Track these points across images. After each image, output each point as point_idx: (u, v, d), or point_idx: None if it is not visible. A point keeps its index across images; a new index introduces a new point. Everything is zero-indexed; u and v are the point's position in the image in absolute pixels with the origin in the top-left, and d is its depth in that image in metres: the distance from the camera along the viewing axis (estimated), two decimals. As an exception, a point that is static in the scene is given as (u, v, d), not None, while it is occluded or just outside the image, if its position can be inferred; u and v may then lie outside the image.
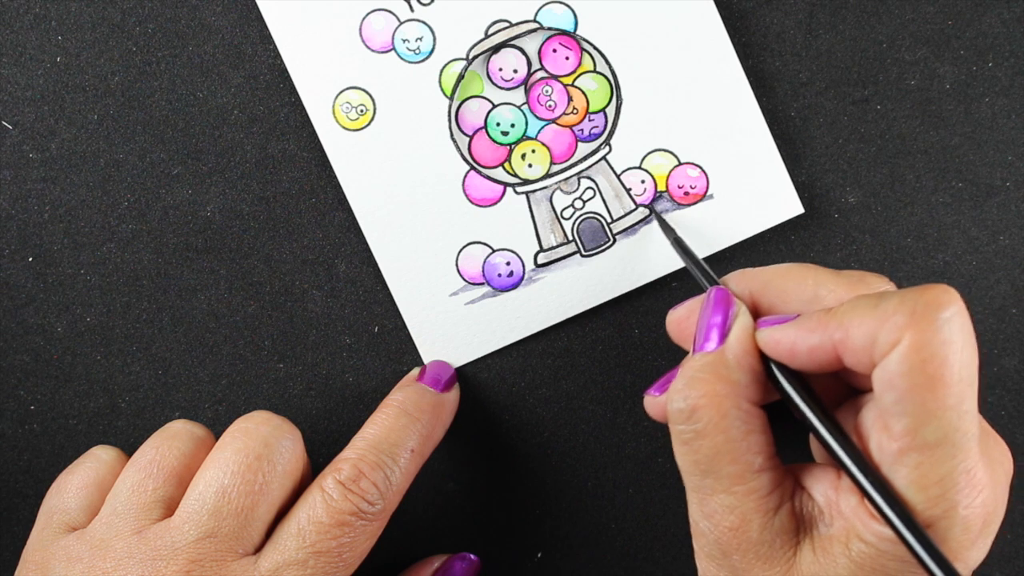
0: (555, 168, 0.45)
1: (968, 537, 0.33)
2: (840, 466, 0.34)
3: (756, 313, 0.38)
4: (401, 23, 0.44)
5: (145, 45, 0.44)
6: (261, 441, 0.39)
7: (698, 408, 0.35)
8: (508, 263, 0.45)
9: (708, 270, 0.40)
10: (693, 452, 0.35)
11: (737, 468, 0.35)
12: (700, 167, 0.45)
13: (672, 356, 0.46)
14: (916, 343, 0.32)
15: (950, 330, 0.32)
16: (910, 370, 0.32)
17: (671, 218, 0.45)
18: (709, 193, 0.45)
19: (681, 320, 0.40)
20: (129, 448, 0.42)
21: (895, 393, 0.32)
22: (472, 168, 0.45)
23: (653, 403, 0.40)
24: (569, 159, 0.45)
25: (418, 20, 0.44)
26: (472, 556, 0.46)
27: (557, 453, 0.47)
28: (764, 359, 0.36)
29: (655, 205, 0.45)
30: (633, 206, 0.45)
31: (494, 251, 0.45)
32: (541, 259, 0.45)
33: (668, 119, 0.45)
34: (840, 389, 0.38)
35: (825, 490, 0.36)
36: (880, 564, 0.33)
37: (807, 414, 0.35)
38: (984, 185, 0.46)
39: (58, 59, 0.44)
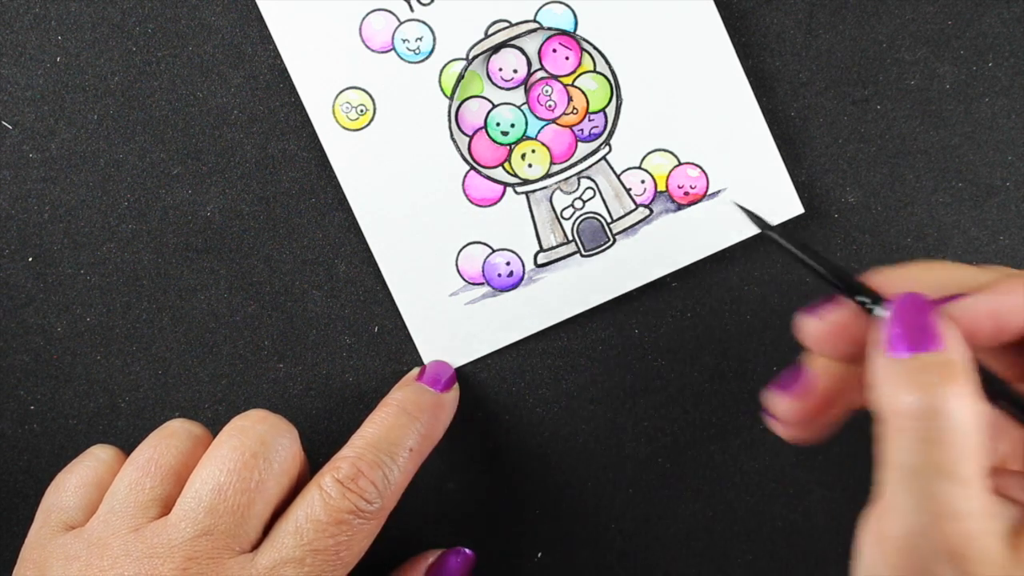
0: (555, 168, 0.45)
1: None
2: None
3: None
4: (401, 23, 0.44)
5: (145, 45, 0.45)
6: (257, 439, 0.39)
7: (934, 407, 0.33)
8: (508, 263, 0.45)
9: (852, 275, 0.38)
10: (923, 453, 0.33)
11: (970, 470, 0.33)
12: (700, 167, 0.45)
13: (672, 356, 0.46)
14: None
15: None
16: None
17: (671, 218, 0.45)
18: (709, 193, 0.45)
19: (837, 327, 0.37)
20: (128, 448, 0.42)
21: None
22: (472, 168, 0.45)
23: (774, 400, 0.38)
24: (569, 159, 0.45)
25: (418, 20, 0.44)
26: (467, 551, 0.46)
27: (557, 453, 0.47)
28: (975, 359, 0.35)
29: (772, 230, 0.43)
30: (633, 206, 0.45)
31: (494, 251, 0.45)
32: (541, 259, 0.45)
33: (668, 119, 0.45)
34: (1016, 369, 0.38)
35: None
36: None
37: None
38: (984, 185, 0.46)
39: (58, 59, 0.45)
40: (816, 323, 0.38)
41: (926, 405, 0.34)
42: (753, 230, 0.45)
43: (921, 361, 0.35)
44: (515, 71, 0.45)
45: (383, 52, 0.44)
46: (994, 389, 0.35)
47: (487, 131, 0.45)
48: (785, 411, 0.39)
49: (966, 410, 0.34)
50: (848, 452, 0.47)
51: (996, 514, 0.34)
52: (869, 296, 0.37)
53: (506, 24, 0.44)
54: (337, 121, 0.45)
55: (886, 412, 0.35)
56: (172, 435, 0.40)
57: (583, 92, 0.45)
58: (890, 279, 0.37)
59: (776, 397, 0.39)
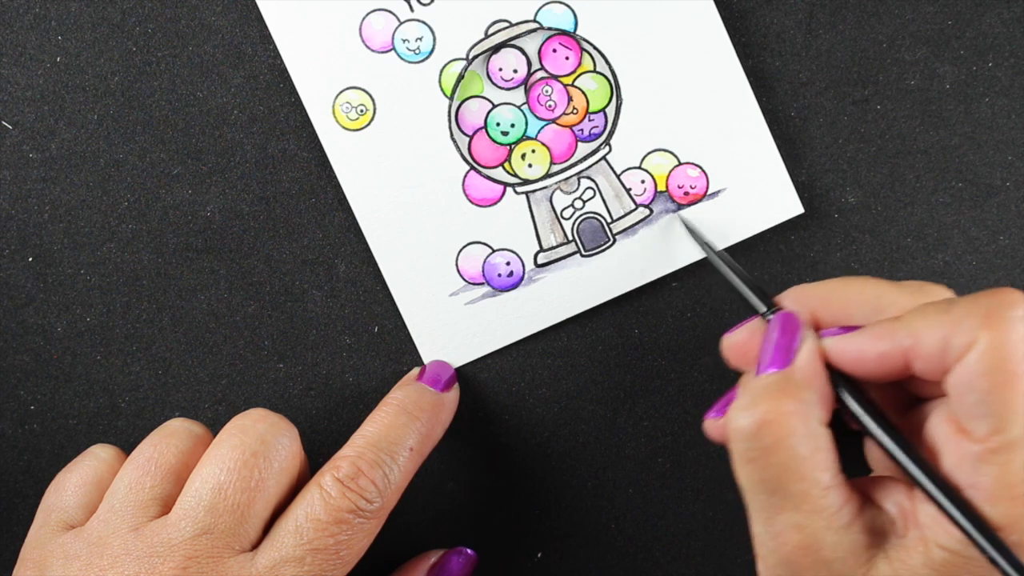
0: (555, 168, 0.45)
1: None
2: (911, 479, 0.34)
3: (817, 328, 0.38)
4: (401, 23, 0.44)
5: (145, 45, 0.45)
6: (257, 438, 0.39)
7: (765, 425, 0.35)
8: (508, 263, 0.45)
9: (764, 290, 0.40)
10: (759, 470, 0.35)
11: (805, 486, 0.34)
12: (700, 167, 0.45)
13: (672, 356, 0.46)
14: (994, 342, 0.32)
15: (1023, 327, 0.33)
16: (991, 369, 0.32)
17: (671, 218, 0.45)
18: (709, 193, 0.45)
19: (742, 344, 0.39)
20: (128, 448, 0.42)
21: (976, 394, 0.33)
22: (472, 168, 0.45)
23: (715, 425, 0.40)
24: (569, 159, 0.45)
25: (418, 20, 0.44)
26: (468, 551, 0.46)
27: (557, 453, 0.47)
28: (831, 379, 0.36)
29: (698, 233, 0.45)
30: (633, 206, 0.45)
31: (494, 251, 0.45)
32: (541, 259, 0.45)
33: (668, 119, 0.45)
34: (901, 400, 0.39)
35: (899, 500, 0.36)
36: (966, 570, 0.33)
37: (872, 428, 0.36)
38: (984, 185, 0.46)
39: (58, 59, 0.45)
40: (729, 340, 0.40)
41: (752, 424, 0.35)
42: (753, 230, 0.45)
43: (761, 381, 0.36)
44: (515, 71, 0.45)
45: (383, 52, 0.44)
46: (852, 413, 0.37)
47: (487, 131, 0.45)
48: (719, 434, 0.40)
49: (792, 429, 0.35)
50: (847, 452, 0.47)
51: (844, 525, 0.35)
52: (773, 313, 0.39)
53: (506, 24, 0.44)
54: (337, 121, 0.45)
55: (728, 432, 0.36)
56: (172, 434, 0.40)
57: (583, 92, 0.45)
58: (806, 295, 0.39)
59: (711, 423, 0.40)
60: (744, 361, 0.39)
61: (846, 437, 0.38)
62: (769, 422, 0.35)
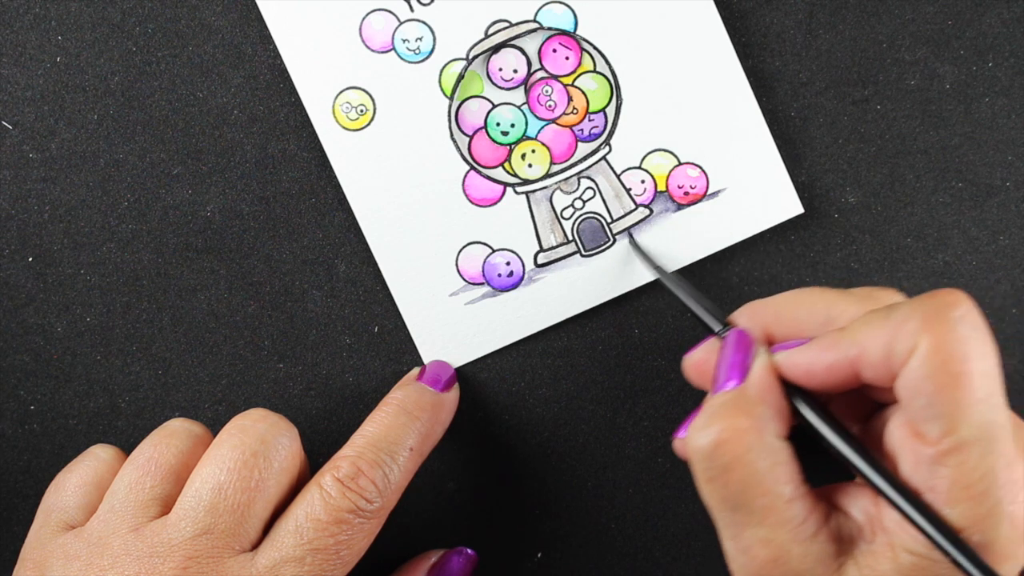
0: (555, 168, 0.45)
1: (1017, 533, 0.33)
2: (870, 485, 0.34)
3: (772, 343, 0.38)
4: (401, 23, 0.44)
5: (145, 45, 0.45)
6: (258, 438, 0.39)
7: (722, 443, 0.35)
8: (508, 263, 0.45)
9: (716, 309, 0.40)
10: (720, 488, 0.35)
11: (767, 500, 0.35)
12: (700, 167, 0.45)
13: (672, 356, 0.46)
14: (934, 344, 0.32)
15: (965, 327, 0.33)
16: (934, 372, 0.32)
17: (671, 218, 0.45)
18: (709, 193, 0.45)
19: (699, 363, 0.40)
20: (128, 448, 0.42)
21: (923, 397, 0.33)
22: (472, 168, 0.45)
23: (683, 445, 0.40)
24: (569, 159, 0.45)
25: (418, 20, 0.44)
26: (469, 551, 0.46)
27: (557, 453, 0.47)
28: (785, 392, 0.37)
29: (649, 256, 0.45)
30: (633, 206, 0.45)
31: (494, 251, 0.45)
32: (541, 259, 0.45)
33: (668, 119, 0.45)
34: (865, 405, 0.39)
35: (865, 506, 0.36)
36: (935, 573, 0.33)
37: (829, 438, 0.36)
38: (984, 185, 0.46)
39: (58, 59, 0.45)
40: (689, 360, 0.41)
41: (709, 443, 0.35)
42: (753, 230, 0.45)
43: (717, 399, 0.37)
44: (515, 71, 0.45)
45: (383, 52, 0.44)
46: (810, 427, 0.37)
47: (487, 131, 0.45)
48: (685, 452, 0.40)
49: (749, 445, 0.35)
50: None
51: (810, 536, 0.35)
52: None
53: (506, 24, 0.44)
54: (337, 121, 0.45)
55: (688, 452, 0.36)
56: (172, 434, 0.40)
57: (583, 92, 0.45)
58: (759, 311, 0.39)
59: (679, 443, 0.41)
60: (704, 380, 0.40)
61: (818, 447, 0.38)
62: (726, 440, 0.35)
